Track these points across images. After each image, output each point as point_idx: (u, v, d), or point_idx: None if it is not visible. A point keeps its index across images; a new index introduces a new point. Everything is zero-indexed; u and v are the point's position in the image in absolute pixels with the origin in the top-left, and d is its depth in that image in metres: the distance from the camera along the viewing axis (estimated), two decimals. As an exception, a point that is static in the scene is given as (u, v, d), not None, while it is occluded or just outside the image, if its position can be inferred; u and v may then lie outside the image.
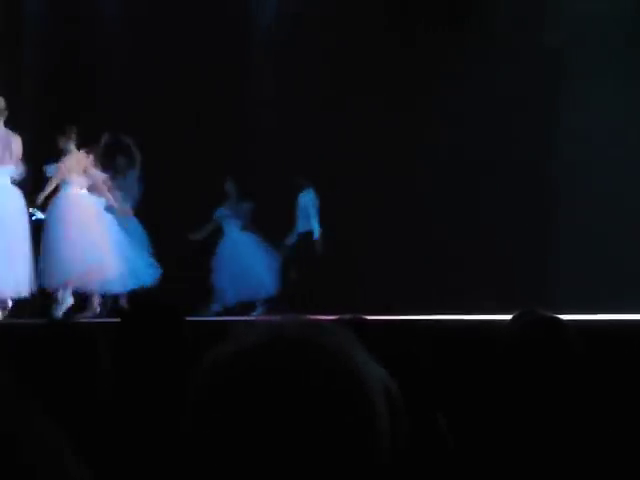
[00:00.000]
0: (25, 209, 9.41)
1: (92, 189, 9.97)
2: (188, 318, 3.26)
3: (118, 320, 3.19)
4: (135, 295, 9.78)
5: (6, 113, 9.33)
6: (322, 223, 11.78)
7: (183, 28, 12.13)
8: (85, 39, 12.26)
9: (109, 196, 10.16)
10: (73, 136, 9.89)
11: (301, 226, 11.80)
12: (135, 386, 2.92)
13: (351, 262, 11.90)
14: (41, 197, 9.63)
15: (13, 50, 11.48)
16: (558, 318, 3.20)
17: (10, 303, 9.06)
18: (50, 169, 9.70)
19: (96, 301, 9.87)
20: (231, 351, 1.01)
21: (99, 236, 9.72)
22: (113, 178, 10.75)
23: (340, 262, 11.77)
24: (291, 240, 11.83)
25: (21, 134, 9.45)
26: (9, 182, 9.27)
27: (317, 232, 11.67)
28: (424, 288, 10.92)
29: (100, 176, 10.15)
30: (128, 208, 10.73)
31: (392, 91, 12.04)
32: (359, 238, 11.95)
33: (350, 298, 10.28)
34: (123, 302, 10.20)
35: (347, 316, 4.16)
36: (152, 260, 10.63)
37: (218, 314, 11.01)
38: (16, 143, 9.32)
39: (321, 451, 0.94)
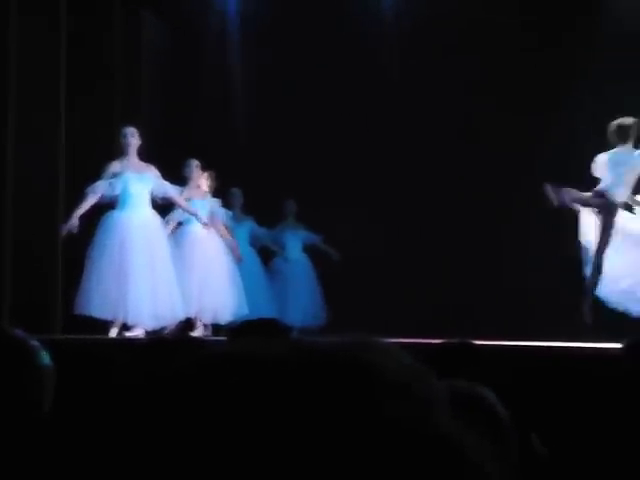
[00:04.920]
0: (165, 235, 9.42)
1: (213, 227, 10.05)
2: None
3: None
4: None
5: (139, 143, 9.26)
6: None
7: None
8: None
9: (229, 238, 10.29)
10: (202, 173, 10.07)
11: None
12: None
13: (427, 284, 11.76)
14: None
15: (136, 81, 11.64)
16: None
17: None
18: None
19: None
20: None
21: (220, 271, 9.95)
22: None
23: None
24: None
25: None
26: (150, 211, 9.29)
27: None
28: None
29: (221, 218, 10.27)
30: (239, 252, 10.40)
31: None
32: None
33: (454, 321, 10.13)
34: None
35: (454, 340, 4.14)
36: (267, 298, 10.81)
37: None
38: (153, 173, 9.31)
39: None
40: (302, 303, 11.43)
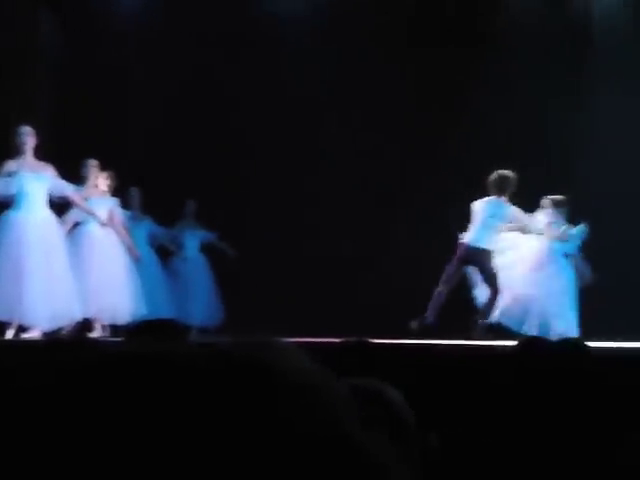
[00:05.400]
0: (63, 235, 9.21)
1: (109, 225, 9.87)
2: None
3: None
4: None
5: (35, 142, 9.01)
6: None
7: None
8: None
9: (127, 238, 10.15)
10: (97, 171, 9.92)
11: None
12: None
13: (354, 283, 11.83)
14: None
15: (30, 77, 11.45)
16: (574, 343, 3.15)
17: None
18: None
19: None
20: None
21: (117, 270, 9.84)
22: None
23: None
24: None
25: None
26: (47, 211, 9.06)
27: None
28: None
29: (120, 218, 10.14)
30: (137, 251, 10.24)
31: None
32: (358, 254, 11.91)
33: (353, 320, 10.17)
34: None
35: (352, 339, 4.14)
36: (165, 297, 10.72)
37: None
38: (49, 172, 9.09)
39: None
40: (200, 303, 11.39)
